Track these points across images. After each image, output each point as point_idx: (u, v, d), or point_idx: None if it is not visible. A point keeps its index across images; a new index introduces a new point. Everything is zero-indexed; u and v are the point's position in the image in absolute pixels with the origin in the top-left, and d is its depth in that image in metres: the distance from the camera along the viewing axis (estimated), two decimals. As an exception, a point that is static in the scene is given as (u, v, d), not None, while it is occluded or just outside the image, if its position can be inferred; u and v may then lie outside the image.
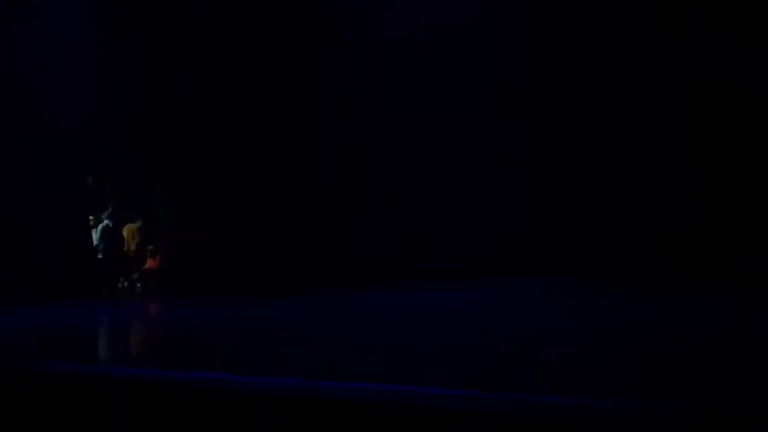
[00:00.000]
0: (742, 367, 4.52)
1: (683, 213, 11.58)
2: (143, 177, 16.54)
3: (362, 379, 4.63)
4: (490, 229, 13.11)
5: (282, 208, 14.94)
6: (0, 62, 15.42)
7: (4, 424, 5.49)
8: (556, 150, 13.06)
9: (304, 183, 14.83)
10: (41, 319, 11.23)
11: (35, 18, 15.91)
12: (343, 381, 4.54)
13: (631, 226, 12.01)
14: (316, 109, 14.80)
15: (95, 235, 15.76)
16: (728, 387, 4.01)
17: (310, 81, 14.78)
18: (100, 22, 15.81)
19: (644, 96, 12.07)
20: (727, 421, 3.41)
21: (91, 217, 16.32)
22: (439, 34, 13.52)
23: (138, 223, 16.62)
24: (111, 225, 15.58)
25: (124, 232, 16.48)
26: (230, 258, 15.12)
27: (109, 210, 15.73)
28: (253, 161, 15.21)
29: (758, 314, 6.95)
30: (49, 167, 15.81)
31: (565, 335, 6.36)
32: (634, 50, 12.10)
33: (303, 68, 14.82)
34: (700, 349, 5.33)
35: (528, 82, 13.21)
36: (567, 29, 12.71)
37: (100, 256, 15.66)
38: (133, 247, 16.61)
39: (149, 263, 16.75)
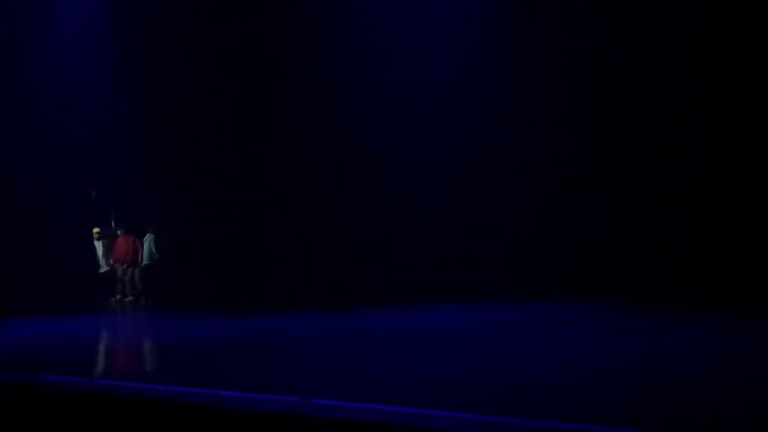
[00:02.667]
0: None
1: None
2: (145, 193, 16.64)
3: (360, 398, 4.65)
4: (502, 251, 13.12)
5: (282, 226, 15.02)
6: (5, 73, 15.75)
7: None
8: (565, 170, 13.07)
9: (305, 201, 14.90)
10: (42, 333, 11.26)
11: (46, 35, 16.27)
12: (339, 400, 4.58)
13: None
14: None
15: (145, 247, 16.31)
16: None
17: (313, 107, 14.89)
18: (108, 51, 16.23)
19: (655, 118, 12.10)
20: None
21: (97, 230, 16.56)
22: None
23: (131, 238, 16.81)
24: (156, 239, 16.13)
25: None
26: (225, 273, 15.20)
27: (153, 225, 16.16)
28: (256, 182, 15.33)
29: None
30: (54, 181, 16.05)
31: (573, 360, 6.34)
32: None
33: (307, 92, 14.96)
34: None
35: (539, 94, 13.23)
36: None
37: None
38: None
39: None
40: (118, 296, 16.50)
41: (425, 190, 13.86)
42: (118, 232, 16.71)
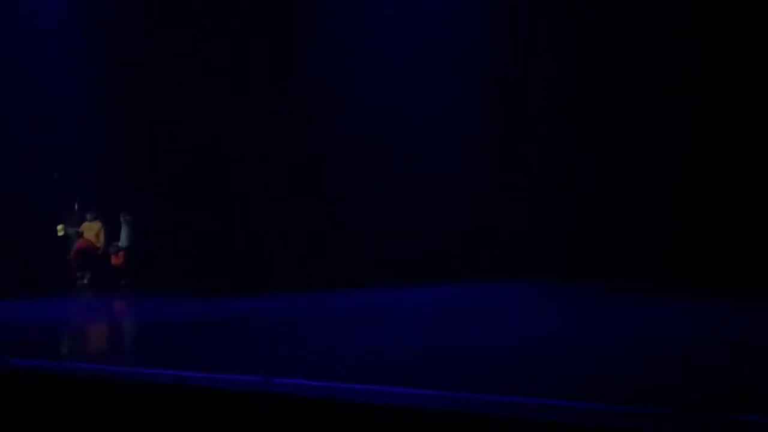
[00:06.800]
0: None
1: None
2: (111, 175, 16.52)
3: (336, 378, 4.68)
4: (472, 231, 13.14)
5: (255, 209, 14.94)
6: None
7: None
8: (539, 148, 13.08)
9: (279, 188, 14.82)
10: (7, 315, 11.19)
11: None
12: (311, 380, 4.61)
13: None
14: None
15: (123, 234, 16.37)
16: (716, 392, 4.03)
17: (298, 88, 14.78)
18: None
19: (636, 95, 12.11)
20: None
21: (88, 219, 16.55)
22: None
23: (99, 224, 16.71)
24: (134, 223, 16.11)
25: (85, 231, 16.64)
26: (193, 255, 15.12)
27: (127, 211, 16.26)
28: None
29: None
30: (14, 163, 15.88)
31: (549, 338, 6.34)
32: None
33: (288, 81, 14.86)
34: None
35: (516, 75, 13.18)
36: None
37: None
38: (98, 244, 16.67)
39: (113, 260, 16.72)
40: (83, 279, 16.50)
41: (410, 172, 13.83)
42: (87, 216, 16.59)
